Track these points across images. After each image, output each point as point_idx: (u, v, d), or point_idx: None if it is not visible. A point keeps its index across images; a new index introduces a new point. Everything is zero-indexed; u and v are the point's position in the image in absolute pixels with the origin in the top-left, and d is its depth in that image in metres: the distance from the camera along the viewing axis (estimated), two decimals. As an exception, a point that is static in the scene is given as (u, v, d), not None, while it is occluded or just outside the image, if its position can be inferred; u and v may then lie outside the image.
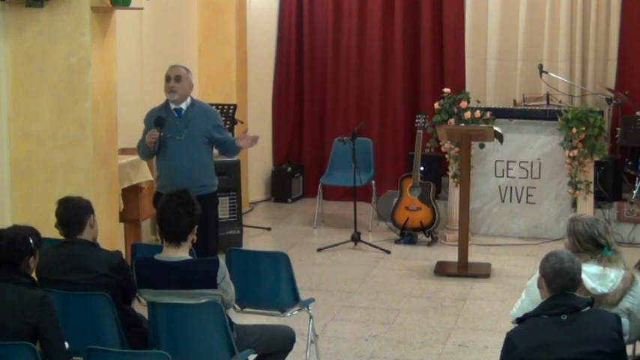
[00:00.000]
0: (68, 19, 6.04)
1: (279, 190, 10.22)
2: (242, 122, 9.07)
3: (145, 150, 6.23)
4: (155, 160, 6.26)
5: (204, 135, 6.14)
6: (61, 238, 4.65)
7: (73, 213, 4.59)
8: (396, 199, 8.55)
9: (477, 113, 8.38)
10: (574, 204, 8.42)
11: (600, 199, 8.50)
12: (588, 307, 3.70)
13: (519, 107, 8.77)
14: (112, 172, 6.44)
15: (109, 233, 6.23)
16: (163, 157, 6.13)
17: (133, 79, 7.83)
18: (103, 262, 4.50)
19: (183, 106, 6.13)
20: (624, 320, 4.01)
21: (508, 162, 8.61)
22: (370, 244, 8.29)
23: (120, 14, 6.50)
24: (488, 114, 8.42)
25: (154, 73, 8.24)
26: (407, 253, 8.22)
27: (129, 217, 7.05)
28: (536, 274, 3.87)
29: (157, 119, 6.07)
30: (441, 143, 8.54)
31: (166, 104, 6.18)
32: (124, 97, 7.02)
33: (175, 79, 6.08)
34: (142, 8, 7.03)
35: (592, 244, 4.22)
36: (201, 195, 5.66)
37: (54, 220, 4.62)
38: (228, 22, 9.41)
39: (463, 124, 8.24)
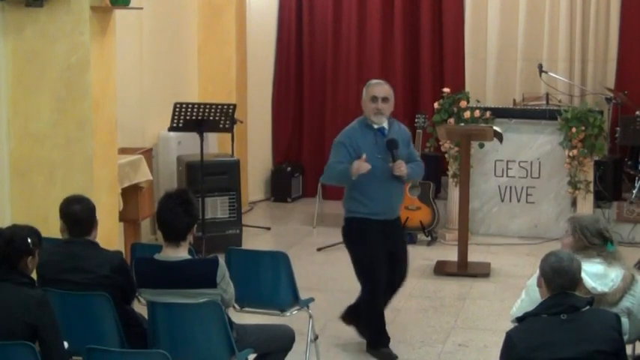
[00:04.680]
0: (68, 18, 6.03)
1: (279, 189, 10.21)
2: (242, 122, 9.06)
3: (349, 173, 5.48)
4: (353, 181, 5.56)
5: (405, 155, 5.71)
6: (60, 237, 4.64)
7: (88, 214, 4.57)
8: (395, 199, 8.54)
9: (477, 113, 8.38)
10: (573, 203, 8.42)
11: (600, 199, 8.51)
12: (588, 307, 3.70)
13: (519, 107, 8.78)
14: (111, 172, 6.43)
15: (108, 233, 6.22)
16: (375, 181, 5.53)
17: (132, 78, 7.82)
18: (103, 262, 4.49)
19: (386, 125, 5.66)
20: (624, 320, 4.01)
21: (508, 161, 8.61)
22: (370, 244, 8.28)
23: (119, 14, 6.49)
24: (487, 113, 8.42)
25: (153, 72, 8.25)
26: (406, 252, 8.21)
27: (128, 217, 7.04)
28: (536, 274, 3.87)
29: (391, 142, 5.54)
30: (440, 143, 8.54)
31: (366, 125, 5.66)
32: (123, 96, 7.01)
33: (383, 100, 5.63)
34: (141, 8, 7.03)
35: (599, 237, 4.25)
36: (398, 217, 5.81)
37: (54, 219, 4.61)
38: (228, 21, 9.40)
39: (463, 124, 8.23)
